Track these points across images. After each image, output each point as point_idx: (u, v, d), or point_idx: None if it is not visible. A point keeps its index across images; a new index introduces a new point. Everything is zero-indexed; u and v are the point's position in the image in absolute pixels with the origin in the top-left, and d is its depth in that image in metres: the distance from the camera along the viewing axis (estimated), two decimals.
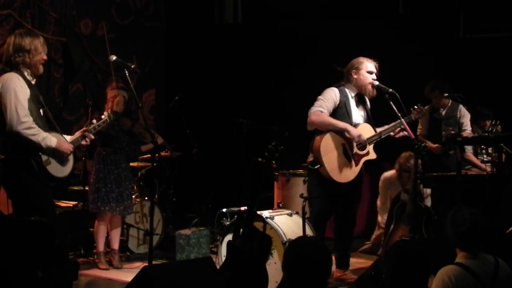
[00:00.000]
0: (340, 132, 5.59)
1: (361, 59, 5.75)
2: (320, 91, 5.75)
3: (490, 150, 6.40)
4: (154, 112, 9.54)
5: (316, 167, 5.54)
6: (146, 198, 7.12)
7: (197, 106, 8.92)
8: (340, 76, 5.82)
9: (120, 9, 8.92)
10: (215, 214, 6.22)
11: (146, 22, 9.36)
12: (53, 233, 3.98)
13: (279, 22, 8.98)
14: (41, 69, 4.82)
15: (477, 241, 3.55)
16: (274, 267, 5.11)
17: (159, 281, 3.54)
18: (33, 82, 4.80)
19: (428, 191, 6.74)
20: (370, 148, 5.72)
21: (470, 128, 6.96)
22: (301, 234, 5.21)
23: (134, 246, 6.95)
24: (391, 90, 5.56)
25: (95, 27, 8.55)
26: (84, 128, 5.17)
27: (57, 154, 4.78)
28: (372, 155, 5.74)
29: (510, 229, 5.16)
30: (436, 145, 6.86)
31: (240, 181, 7.00)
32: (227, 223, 5.55)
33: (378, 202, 7.27)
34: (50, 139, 4.69)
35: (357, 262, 6.43)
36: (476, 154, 6.92)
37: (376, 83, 5.68)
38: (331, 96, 5.65)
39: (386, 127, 5.77)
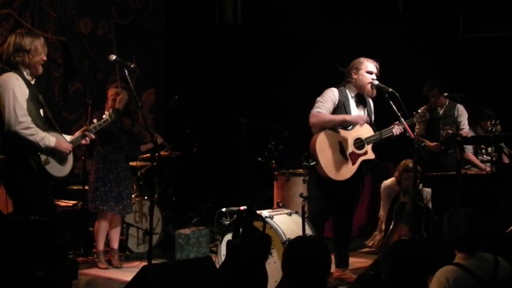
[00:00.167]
0: (341, 126, 5.61)
1: (362, 59, 5.76)
2: (320, 91, 5.77)
3: (489, 149, 6.40)
4: (153, 112, 9.54)
5: (312, 163, 5.55)
6: (145, 197, 7.12)
7: (196, 105, 8.91)
8: (342, 76, 5.84)
9: (120, 8, 8.92)
10: (214, 214, 6.23)
11: (146, 22, 9.36)
12: (52, 232, 3.97)
13: (279, 22, 8.98)
14: (40, 69, 4.81)
15: (474, 242, 3.55)
16: (273, 267, 5.11)
17: (158, 280, 3.54)
18: (32, 82, 4.79)
19: (429, 196, 6.73)
20: (368, 147, 5.72)
21: (467, 127, 6.96)
22: (300, 233, 5.21)
23: (133, 246, 6.95)
24: (391, 89, 5.57)
25: (95, 27, 8.55)
26: (84, 127, 5.17)
27: (56, 154, 4.77)
28: (371, 155, 5.73)
29: (510, 228, 5.16)
30: (435, 143, 6.86)
31: (239, 181, 7.00)
32: (227, 222, 5.56)
33: (381, 212, 7.24)
34: (49, 139, 4.69)
35: (356, 261, 6.43)
36: (476, 153, 6.92)
37: (376, 82, 5.68)
38: (329, 96, 5.68)
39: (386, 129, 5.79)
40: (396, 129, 5.70)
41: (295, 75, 8.56)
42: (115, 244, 6.52)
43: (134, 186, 7.06)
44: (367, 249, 7.23)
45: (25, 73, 4.73)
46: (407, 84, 6.59)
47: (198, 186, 7.66)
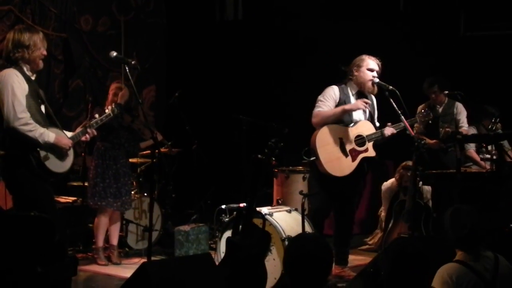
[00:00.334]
0: (343, 123, 5.61)
1: (364, 56, 5.77)
2: (320, 91, 5.79)
3: (489, 148, 6.40)
4: (154, 109, 9.54)
5: (311, 158, 5.56)
6: (145, 194, 7.13)
7: (197, 102, 8.91)
8: (344, 75, 5.84)
9: (121, 5, 8.92)
10: (214, 211, 6.22)
11: (147, 18, 9.36)
12: (52, 228, 3.97)
13: (280, 19, 8.96)
14: (40, 64, 4.81)
15: (477, 242, 3.56)
16: (273, 264, 5.12)
17: (157, 277, 3.54)
18: (32, 78, 4.78)
19: (429, 195, 6.73)
20: (369, 145, 5.71)
21: (466, 125, 6.95)
22: (300, 230, 5.21)
23: (133, 242, 6.96)
24: (391, 87, 5.58)
25: (96, 23, 8.55)
26: (85, 122, 5.16)
27: (56, 150, 4.77)
28: (371, 153, 5.73)
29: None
30: (434, 140, 6.85)
31: (239, 178, 6.99)
32: (226, 219, 5.56)
33: (382, 212, 7.23)
34: (48, 135, 4.68)
35: (356, 259, 6.44)
36: (478, 151, 6.92)
37: (376, 80, 5.68)
38: (330, 94, 5.70)
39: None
40: (388, 130, 5.70)
41: (295, 75, 8.56)
42: (115, 241, 6.52)
43: (134, 182, 7.07)
44: (367, 246, 7.23)
45: (25, 69, 4.73)
46: (408, 82, 6.59)
47: (198, 183, 7.67)
